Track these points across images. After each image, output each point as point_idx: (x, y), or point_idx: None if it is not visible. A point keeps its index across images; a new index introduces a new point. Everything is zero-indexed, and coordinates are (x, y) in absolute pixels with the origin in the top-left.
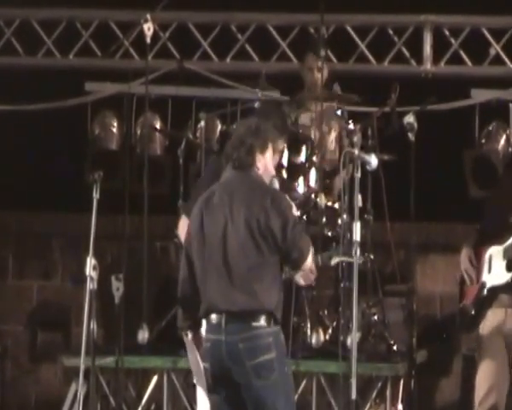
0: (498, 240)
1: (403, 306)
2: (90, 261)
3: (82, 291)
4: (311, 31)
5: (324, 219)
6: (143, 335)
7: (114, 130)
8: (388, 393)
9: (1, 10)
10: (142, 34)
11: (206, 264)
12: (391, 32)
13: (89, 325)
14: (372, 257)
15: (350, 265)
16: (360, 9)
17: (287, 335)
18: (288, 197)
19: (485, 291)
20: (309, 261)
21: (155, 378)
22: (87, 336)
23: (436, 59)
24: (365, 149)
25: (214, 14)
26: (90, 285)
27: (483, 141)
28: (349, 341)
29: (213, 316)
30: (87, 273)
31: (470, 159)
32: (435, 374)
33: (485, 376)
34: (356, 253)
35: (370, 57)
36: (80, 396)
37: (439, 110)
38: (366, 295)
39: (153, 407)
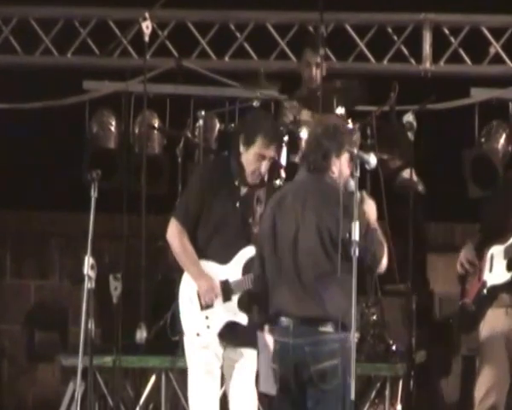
0: (500, 239)
1: (402, 306)
2: (88, 261)
3: (80, 291)
4: (310, 29)
5: None
6: (141, 334)
7: (112, 128)
8: (387, 393)
9: None
10: (140, 32)
11: (276, 266)
12: (390, 30)
13: (86, 325)
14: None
15: None
16: (359, 8)
17: None
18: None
19: (486, 290)
20: (384, 264)
21: (153, 378)
22: (85, 336)
23: (435, 58)
24: (364, 148)
25: (213, 13)
26: (88, 285)
27: (483, 140)
28: None
29: (282, 319)
30: (85, 273)
31: (470, 158)
32: (434, 375)
33: (485, 376)
34: (355, 253)
35: (370, 56)
36: (78, 396)
37: (439, 109)
38: (365, 295)
39: (151, 406)
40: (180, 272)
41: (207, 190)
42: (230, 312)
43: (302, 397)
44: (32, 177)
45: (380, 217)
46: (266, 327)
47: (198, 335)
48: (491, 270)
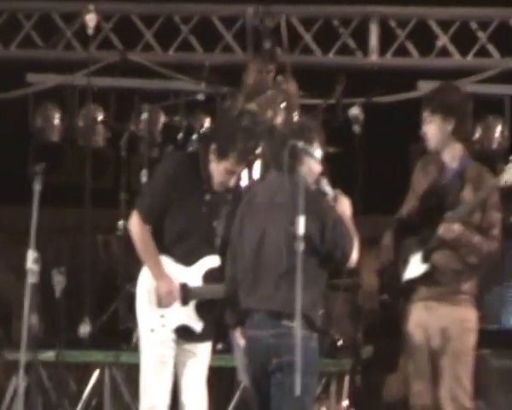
0: (416, 231)
1: (348, 300)
2: (31, 255)
3: (23, 285)
4: (256, 22)
5: None
6: (85, 329)
7: (57, 122)
8: (333, 389)
9: None
10: (84, 25)
11: (245, 264)
12: (336, 23)
13: (29, 319)
14: None
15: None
16: (305, 0)
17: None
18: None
19: (403, 284)
20: (354, 258)
21: (97, 373)
22: (28, 330)
23: (382, 50)
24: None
25: (157, 5)
26: (32, 279)
27: None
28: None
29: (252, 314)
30: (28, 267)
31: (416, 152)
32: (381, 370)
33: (413, 372)
34: (300, 247)
35: (316, 49)
36: (21, 391)
37: (385, 102)
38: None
39: (94, 401)
40: (125, 265)
41: (174, 188)
42: (186, 316)
43: (266, 389)
44: None
45: None
46: (239, 328)
47: (152, 331)
48: (406, 262)
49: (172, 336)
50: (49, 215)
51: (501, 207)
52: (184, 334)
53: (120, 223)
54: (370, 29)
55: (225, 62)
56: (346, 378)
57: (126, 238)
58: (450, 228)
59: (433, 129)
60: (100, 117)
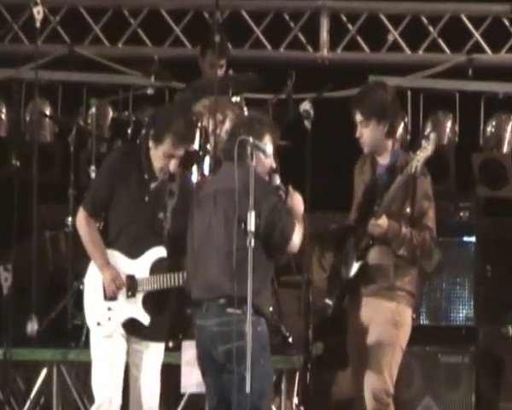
0: (353, 230)
1: (299, 297)
2: None
3: None
4: (206, 15)
5: None
6: (32, 326)
7: (3, 116)
8: (284, 386)
9: None
10: (31, 18)
11: (194, 256)
12: (287, 17)
13: None
14: None
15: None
16: None
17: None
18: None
19: (343, 283)
20: (295, 242)
21: (45, 371)
22: None
23: (333, 45)
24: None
25: None
26: None
27: None
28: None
29: (200, 304)
30: None
31: None
32: (332, 367)
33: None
34: (250, 243)
35: (266, 43)
36: None
37: (336, 97)
38: None
39: (42, 399)
40: (74, 262)
41: (116, 179)
42: (133, 309)
43: (220, 379)
44: None
45: None
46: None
47: (99, 324)
48: (346, 264)
49: (121, 330)
50: None
51: (431, 196)
52: (134, 330)
53: (69, 219)
54: (321, 23)
55: (175, 56)
56: (297, 375)
57: (74, 235)
58: (376, 224)
59: (368, 132)
60: (47, 111)
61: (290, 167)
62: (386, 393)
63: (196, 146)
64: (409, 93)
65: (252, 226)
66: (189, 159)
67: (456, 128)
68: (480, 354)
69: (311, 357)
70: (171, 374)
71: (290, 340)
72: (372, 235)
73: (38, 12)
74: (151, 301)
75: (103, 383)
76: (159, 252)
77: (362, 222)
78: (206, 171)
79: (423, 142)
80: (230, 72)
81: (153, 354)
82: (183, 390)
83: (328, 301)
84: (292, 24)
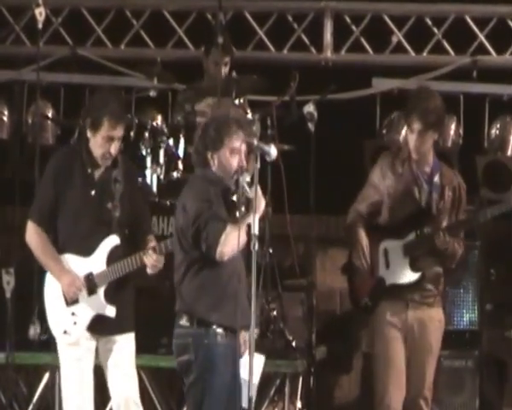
0: (393, 233)
1: (302, 301)
2: None
3: None
4: (209, 17)
5: None
6: (35, 330)
7: (5, 118)
8: (287, 390)
9: None
10: (33, 19)
11: None
12: (290, 18)
13: None
14: (271, 251)
15: (249, 258)
16: None
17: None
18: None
19: (385, 287)
20: (226, 249)
21: (47, 375)
22: None
23: (337, 47)
24: (264, 138)
25: None
26: None
27: (384, 131)
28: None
29: None
30: None
31: (371, 149)
32: (335, 371)
33: (382, 372)
34: (254, 246)
35: (269, 44)
36: None
37: (340, 99)
38: (265, 289)
39: (44, 404)
40: None
41: (58, 182)
42: (97, 305)
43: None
44: None
45: (281, 210)
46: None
47: (65, 332)
48: (388, 266)
49: (87, 335)
50: None
51: None
52: (101, 328)
53: None
54: (324, 25)
55: (177, 58)
56: (300, 379)
57: None
58: (445, 240)
59: (423, 141)
60: (49, 113)
61: (293, 170)
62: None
63: None
64: None
65: (256, 230)
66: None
67: (461, 130)
68: (483, 359)
69: (315, 361)
70: (173, 378)
71: (293, 344)
72: (434, 248)
73: (40, 13)
74: (113, 292)
75: (73, 393)
76: (112, 241)
77: (406, 228)
78: None
79: None
80: (234, 74)
81: (123, 347)
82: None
83: (369, 302)
84: (295, 25)
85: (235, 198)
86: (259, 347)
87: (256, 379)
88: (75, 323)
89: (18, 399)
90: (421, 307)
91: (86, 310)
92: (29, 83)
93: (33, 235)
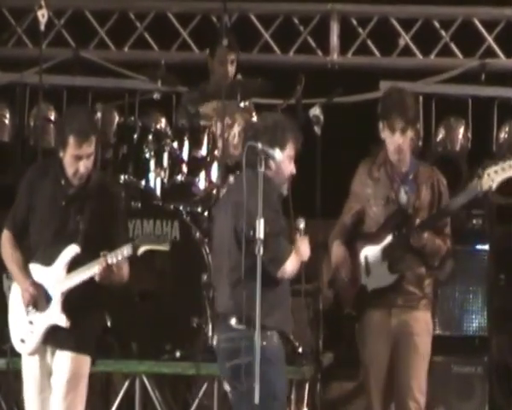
0: (371, 239)
1: (308, 306)
2: None
3: None
4: (214, 19)
5: None
6: None
7: (6, 121)
8: (293, 397)
9: None
10: (35, 21)
11: (214, 266)
12: (296, 21)
13: None
14: None
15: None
16: None
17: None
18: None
19: (367, 294)
20: (288, 271)
21: None
22: None
23: (343, 49)
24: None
25: (111, 1)
26: None
27: None
28: None
29: (217, 316)
30: None
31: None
32: (342, 377)
33: (369, 382)
34: (259, 251)
35: (275, 47)
36: None
37: (346, 103)
38: None
39: None
40: None
41: (32, 192)
42: (51, 315)
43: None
44: None
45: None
46: None
47: (22, 341)
48: (368, 273)
49: (43, 347)
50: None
51: None
52: (53, 339)
53: None
54: (331, 27)
55: (182, 61)
56: (306, 386)
57: None
58: (421, 237)
59: (405, 140)
60: (52, 116)
61: (300, 173)
62: (421, 405)
63: (204, 152)
64: (420, 98)
65: (261, 234)
66: (197, 165)
67: (469, 134)
68: (493, 365)
69: (321, 367)
70: (176, 384)
71: (300, 350)
72: (411, 247)
73: (43, 15)
74: (72, 305)
75: (32, 404)
76: (72, 250)
77: (385, 231)
78: (214, 177)
79: (501, 163)
80: (239, 76)
81: (62, 369)
82: None
83: (353, 312)
84: (301, 28)
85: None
86: None
87: None
88: (32, 332)
89: (19, 405)
90: (405, 311)
91: (41, 320)
92: (31, 85)
93: (5, 242)
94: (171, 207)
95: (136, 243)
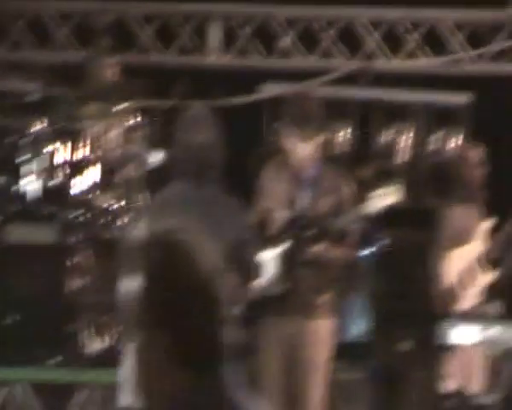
0: (271, 244)
1: None
2: None
3: None
4: (94, 19)
5: (102, 221)
6: None
7: None
8: None
9: None
10: None
11: None
12: (176, 22)
13: None
14: None
15: None
16: None
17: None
18: None
19: (260, 301)
20: None
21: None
22: None
23: (224, 51)
24: (151, 143)
25: None
26: None
27: (272, 139)
28: None
29: None
30: None
31: (260, 157)
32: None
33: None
34: None
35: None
36: None
37: (228, 106)
38: None
39: None
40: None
41: None
42: None
43: None
44: None
45: None
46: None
47: None
48: (263, 278)
49: None
50: None
51: None
52: None
53: None
54: (211, 28)
55: (62, 61)
56: None
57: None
58: (320, 247)
59: (313, 147)
60: None
61: None
62: None
63: (84, 154)
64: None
65: None
66: (75, 168)
67: (353, 136)
68: (375, 371)
69: None
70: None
71: None
72: (307, 257)
73: None
74: None
75: None
76: None
77: (285, 236)
78: (92, 181)
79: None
80: (119, 78)
81: None
82: None
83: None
84: (181, 29)
85: None
86: None
87: None
88: None
89: None
90: (300, 320)
91: None
92: None
93: None
94: (47, 210)
95: None
